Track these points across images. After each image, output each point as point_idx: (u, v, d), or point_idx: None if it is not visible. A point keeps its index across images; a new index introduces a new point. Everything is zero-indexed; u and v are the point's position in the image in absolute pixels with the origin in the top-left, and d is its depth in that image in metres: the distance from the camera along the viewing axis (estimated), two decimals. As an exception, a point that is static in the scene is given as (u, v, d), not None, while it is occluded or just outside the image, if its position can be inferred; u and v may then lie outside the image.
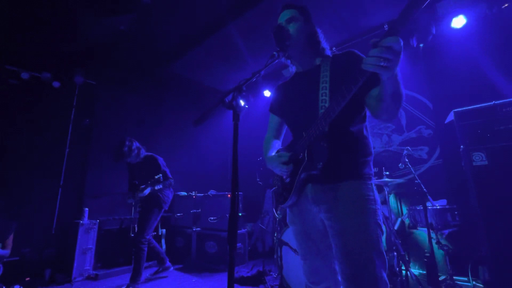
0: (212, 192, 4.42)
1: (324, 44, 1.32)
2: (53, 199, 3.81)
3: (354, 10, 3.44)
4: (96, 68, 4.40)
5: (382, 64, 0.79)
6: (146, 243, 2.98)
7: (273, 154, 1.33)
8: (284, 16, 1.30)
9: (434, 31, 3.39)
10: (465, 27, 3.26)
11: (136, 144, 3.16)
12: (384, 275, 1.00)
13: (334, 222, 1.07)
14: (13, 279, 2.93)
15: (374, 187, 1.12)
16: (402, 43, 0.78)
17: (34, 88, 3.81)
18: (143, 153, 3.23)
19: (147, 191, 2.98)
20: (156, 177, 2.98)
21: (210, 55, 4.43)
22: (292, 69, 1.40)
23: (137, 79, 4.93)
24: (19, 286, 2.90)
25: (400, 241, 2.55)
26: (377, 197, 1.11)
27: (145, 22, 3.56)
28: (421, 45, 3.76)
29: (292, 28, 1.25)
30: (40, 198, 3.71)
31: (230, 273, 0.91)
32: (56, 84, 3.95)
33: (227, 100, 1.02)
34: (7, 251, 2.84)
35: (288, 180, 1.24)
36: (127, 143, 3.08)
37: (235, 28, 3.70)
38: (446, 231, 2.68)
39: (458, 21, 3.24)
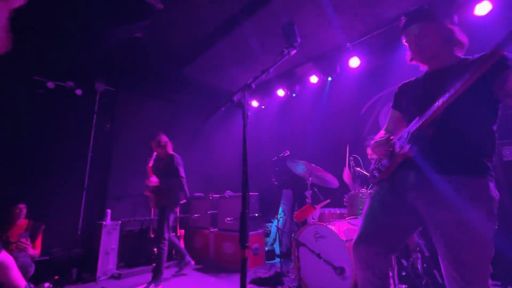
0: (228, 193, 4.44)
1: (461, 38, 1.26)
2: (78, 202, 4.00)
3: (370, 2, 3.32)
4: (115, 75, 4.58)
5: None
6: (166, 242, 3.08)
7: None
8: (412, 33, 1.26)
9: (456, 20, 3.21)
10: (490, 13, 3.05)
11: (166, 139, 3.39)
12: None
13: (442, 214, 1.04)
14: (43, 277, 3.09)
15: (492, 185, 1.04)
16: None
17: (59, 97, 4.02)
18: (169, 150, 3.40)
19: (154, 178, 3.10)
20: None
21: (223, 57, 4.46)
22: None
23: (153, 84, 5.08)
24: (48, 284, 3.06)
25: (424, 242, 2.42)
26: (496, 194, 1.04)
27: (159, 27, 3.65)
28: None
29: (427, 42, 1.23)
30: (66, 200, 3.90)
31: (242, 273, 0.91)
32: (78, 91, 4.16)
33: (235, 99, 1.01)
34: (37, 251, 3.00)
35: (385, 161, 1.30)
36: (163, 137, 3.36)
37: (247, 29, 3.70)
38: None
39: (482, 8, 3.04)
